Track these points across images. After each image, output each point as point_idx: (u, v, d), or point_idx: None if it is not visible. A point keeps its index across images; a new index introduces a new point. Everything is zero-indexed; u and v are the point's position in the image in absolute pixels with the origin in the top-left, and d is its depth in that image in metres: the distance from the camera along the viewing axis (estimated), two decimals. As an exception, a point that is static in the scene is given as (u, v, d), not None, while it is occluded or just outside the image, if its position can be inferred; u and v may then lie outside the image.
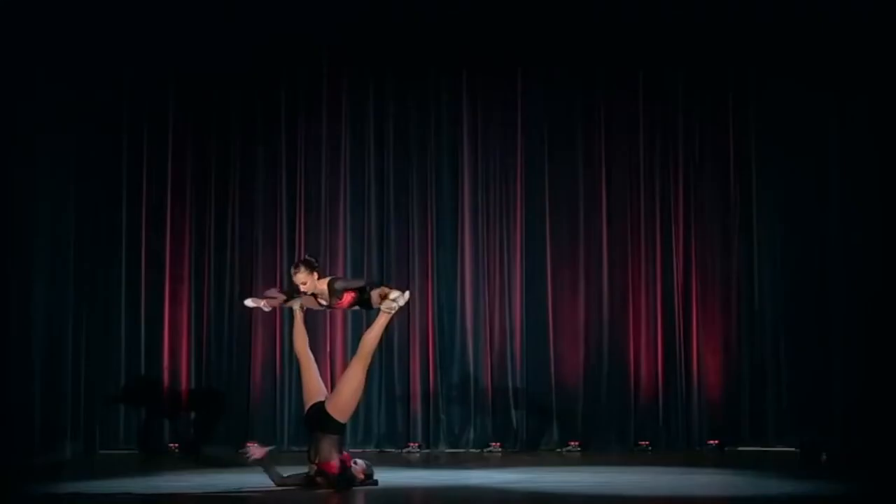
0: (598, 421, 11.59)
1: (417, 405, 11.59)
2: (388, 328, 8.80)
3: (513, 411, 11.59)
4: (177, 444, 11.40)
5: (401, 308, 8.48)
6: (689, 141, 11.86)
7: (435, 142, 11.85)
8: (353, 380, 8.34)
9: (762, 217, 11.71)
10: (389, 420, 11.61)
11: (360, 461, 8.45)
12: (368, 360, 8.45)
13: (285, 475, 8.24)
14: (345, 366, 11.59)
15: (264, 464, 8.23)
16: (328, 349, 11.62)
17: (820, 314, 11.34)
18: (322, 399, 8.30)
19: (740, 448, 11.43)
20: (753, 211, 11.73)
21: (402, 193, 11.81)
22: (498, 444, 11.49)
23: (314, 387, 8.41)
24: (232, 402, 11.56)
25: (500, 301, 11.74)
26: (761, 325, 11.62)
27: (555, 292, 11.73)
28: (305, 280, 8.40)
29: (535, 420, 11.61)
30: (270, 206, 11.78)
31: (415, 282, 11.63)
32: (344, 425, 8.36)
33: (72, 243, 10.95)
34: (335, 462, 8.18)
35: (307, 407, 8.36)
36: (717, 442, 11.47)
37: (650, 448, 11.45)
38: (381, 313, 8.45)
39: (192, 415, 11.53)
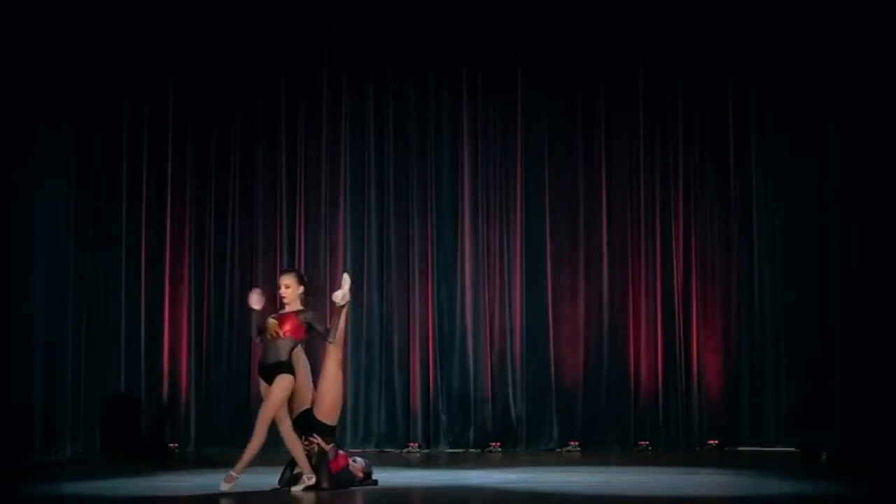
0: (598, 421, 11.60)
1: (417, 405, 11.60)
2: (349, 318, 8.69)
3: (513, 411, 11.60)
4: (177, 444, 11.40)
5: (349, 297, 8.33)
6: (689, 141, 11.87)
7: (435, 142, 11.86)
8: (331, 378, 8.27)
9: (762, 217, 11.72)
10: (389, 420, 11.61)
11: (359, 459, 8.45)
12: (340, 355, 8.38)
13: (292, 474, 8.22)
14: (345, 365, 11.65)
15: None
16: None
17: (820, 314, 11.34)
18: (309, 406, 8.26)
19: (740, 448, 11.44)
20: (753, 211, 11.74)
21: (402, 193, 11.82)
22: (498, 444, 11.50)
23: (303, 393, 8.32)
24: (232, 402, 11.56)
25: (500, 301, 11.74)
26: (761, 325, 11.63)
27: (555, 292, 11.73)
28: (289, 284, 8.27)
29: (535, 420, 11.61)
30: (270, 206, 11.79)
31: (415, 282, 11.66)
32: (334, 427, 8.33)
33: (71, 243, 10.95)
34: (340, 459, 8.20)
35: (295, 413, 8.28)
36: (717, 442, 11.47)
37: (650, 448, 11.46)
38: (336, 307, 8.32)
39: (192, 415, 11.52)
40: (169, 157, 11.69)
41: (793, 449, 11.17)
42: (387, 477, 8.65)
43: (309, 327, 8.21)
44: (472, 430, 11.60)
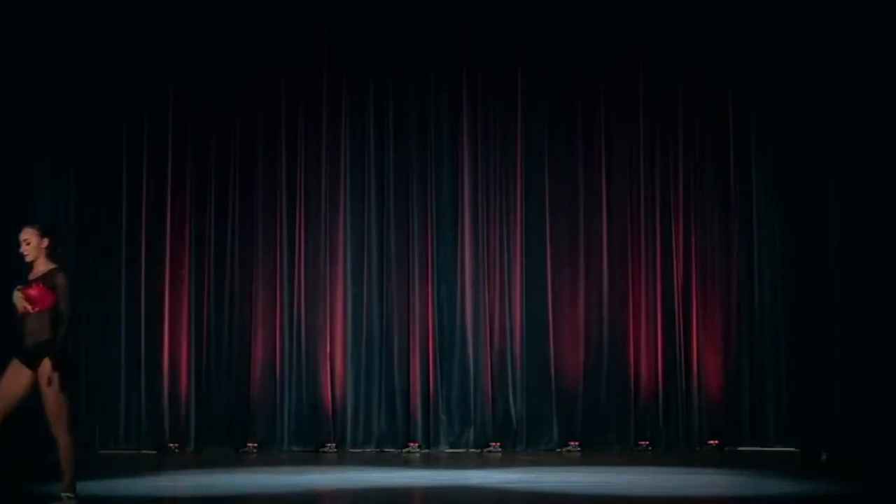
0: (598, 421, 11.59)
1: (417, 405, 11.58)
2: None
3: (513, 411, 11.59)
4: (177, 444, 11.39)
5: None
6: (689, 141, 11.87)
7: (435, 141, 11.86)
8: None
9: (762, 217, 11.71)
10: (389, 420, 11.60)
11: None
12: None
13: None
14: (345, 365, 11.65)
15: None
16: (328, 349, 11.62)
17: (820, 314, 11.34)
18: None
19: (740, 448, 11.43)
20: (753, 211, 11.74)
21: (402, 193, 11.81)
22: (498, 444, 11.50)
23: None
24: (232, 402, 11.55)
25: (500, 301, 11.73)
26: (761, 325, 11.62)
27: (555, 292, 11.72)
28: (30, 240, 7.43)
29: (535, 420, 11.60)
30: (270, 205, 11.79)
31: (415, 282, 11.65)
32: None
33: (71, 243, 10.92)
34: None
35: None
36: (717, 442, 11.47)
37: (650, 448, 11.46)
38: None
39: (192, 415, 11.51)
40: (169, 157, 11.68)
41: (793, 449, 11.17)
42: (387, 477, 8.65)
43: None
44: (472, 430, 11.59)
